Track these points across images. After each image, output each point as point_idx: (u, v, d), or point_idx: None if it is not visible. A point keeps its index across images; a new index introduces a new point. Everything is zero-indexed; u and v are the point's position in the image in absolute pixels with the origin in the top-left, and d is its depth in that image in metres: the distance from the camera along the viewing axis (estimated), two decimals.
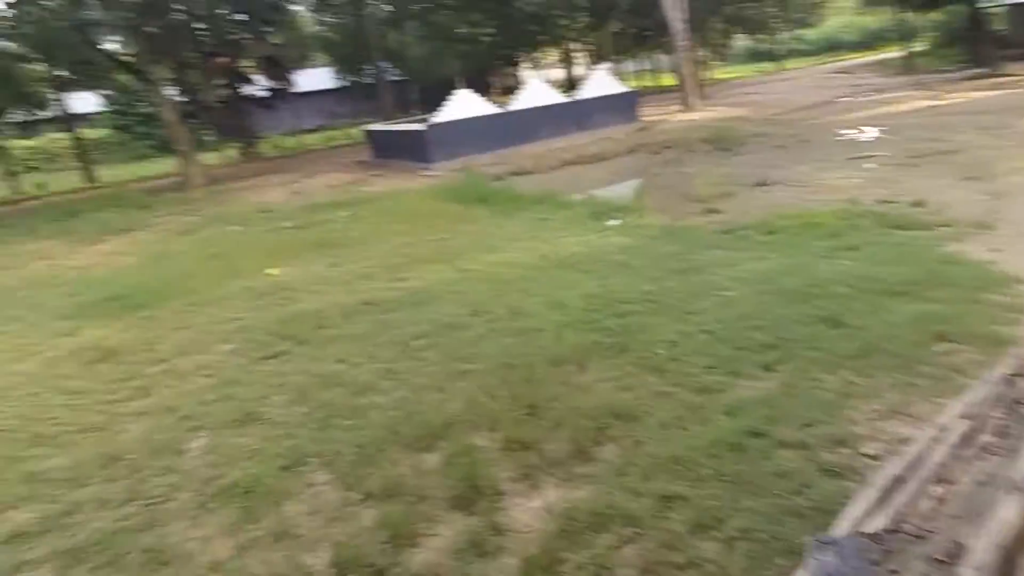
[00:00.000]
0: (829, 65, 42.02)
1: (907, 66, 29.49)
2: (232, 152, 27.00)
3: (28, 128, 33.62)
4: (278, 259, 8.05)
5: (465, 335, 5.04)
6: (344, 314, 5.77)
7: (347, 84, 34.65)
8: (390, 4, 33.03)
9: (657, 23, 31.26)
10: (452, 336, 5.04)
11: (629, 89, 20.26)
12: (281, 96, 29.24)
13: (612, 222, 8.14)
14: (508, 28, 35.53)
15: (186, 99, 23.93)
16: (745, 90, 30.48)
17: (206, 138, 28.97)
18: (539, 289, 5.85)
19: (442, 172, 14.59)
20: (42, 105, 26.06)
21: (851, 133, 13.57)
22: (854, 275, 5.19)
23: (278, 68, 27.66)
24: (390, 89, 31.01)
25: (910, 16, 31.77)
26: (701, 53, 38.77)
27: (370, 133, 19.61)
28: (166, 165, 23.82)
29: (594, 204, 9.15)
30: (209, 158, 25.82)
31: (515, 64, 49.93)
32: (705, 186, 9.40)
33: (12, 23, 19.01)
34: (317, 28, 32.80)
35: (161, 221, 12.70)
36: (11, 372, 5.43)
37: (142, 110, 32.60)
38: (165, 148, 26.99)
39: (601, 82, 19.03)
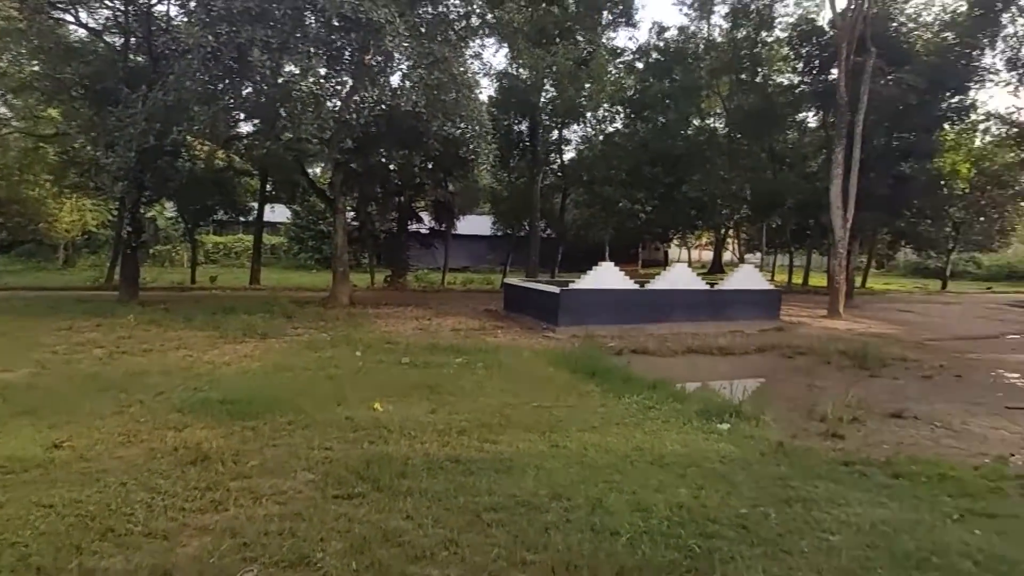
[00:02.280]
0: (1002, 295, 39.12)
1: None
2: (380, 278, 29.30)
3: (222, 226, 38.82)
4: (384, 393, 8.38)
5: (539, 518, 4.86)
6: (428, 466, 5.81)
7: (500, 234, 36.88)
8: (561, 172, 35.56)
9: (819, 223, 31.23)
10: (525, 516, 4.88)
11: (773, 287, 19.93)
12: (441, 236, 31.82)
13: (722, 425, 7.75)
14: (667, 208, 36.84)
15: (358, 224, 26.74)
16: (900, 306, 28.89)
17: (363, 261, 31.85)
18: (627, 484, 5.60)
19: (564, 337, 14.82)
20: (245, 212, 30.13)
21: (1013, 378, 12.31)
22: (985, 551, 4.53)
23: (447, 212, 30.40)
24: (539, 245, 32.66)
25: None
26: (860, 260, 37.80)
27: (507, 285, 20.56)
28: (321, 279, 26.26)
29: (707, 401, 8.79)
30: (360, 279, 28.17)
31: (667, 241, 51.28)
32: (834, 405, 8.76)
33: (245, 144, 22.60)
34: (490, 182, 35.79)
35: (297, 332, 13.80)
36: (114, 456, 5.90)
37: (319, 227, 36.78)
38: (326, 264, 29.98)
39: (745, 276, 18.94)
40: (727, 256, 51.36)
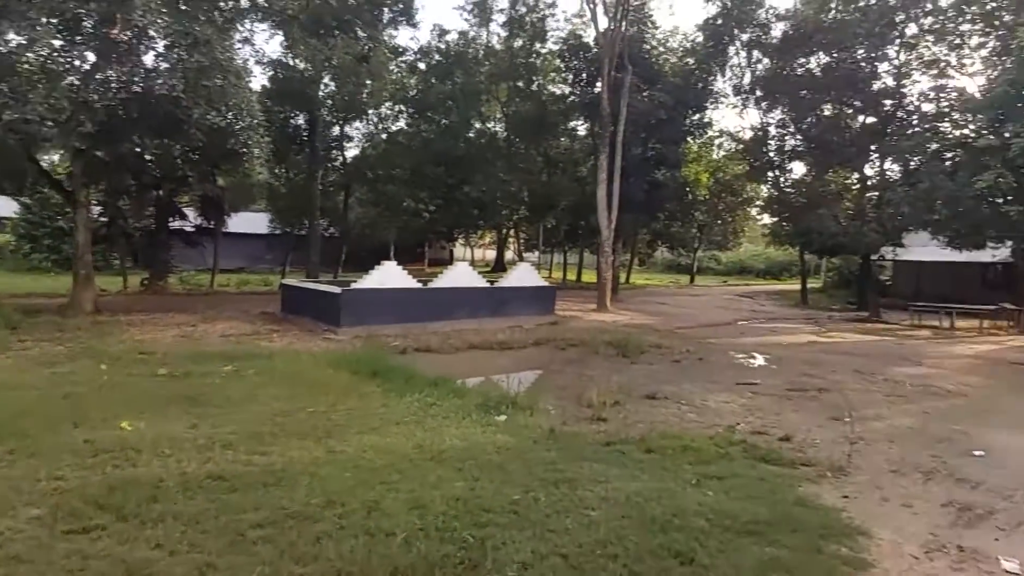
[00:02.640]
0: (736, 287, 45.77)
1: (802, 300, 32.43)
2: (136, 282, 26.05)
3: None
4: (135, 410, 7.42)
5: (310, 529, 4.63)
6: (184, 487, 5.25)
7: (278, 232, 34.84)
8: (343, 169, 34.50)
9: (588, 224, 33.92)
10: (295, 529, 4.62)
11: (548, 284, 21.22)
12: (209, 234, 29.16)
13: (499, 417, 8.04)
14: (451, 207, 37.58)
15: (106, 221, 23.52)
16: (657, 298, 32.52)
17: (115, 263, 28.12)
18: (405, 483, 5.56)
19: (346, 338, 14.41)
20: None
21: (742, 358, 14.41)
22: (715, 508, 5.20)
23: (216, 208, 27.82)
24: (321, 244, 31.38)
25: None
26: (624, 258, 41.83)
27: (285, 286, 19.48)
28: (60, 283, 22.70)
29: (486, 394, 9.08)
30: (111, 283, 24.87)
31: (452, 240, 52.31)
32: (598, 391, 9.54)
33: None
34: (267, 178, 33.64)
35: (25, 346, 11.73)
36: None
37: (57, 224, 31.79)
38: (67, 266, 25.98)
39: (523, 274, 19.91)
40: (509, 255, 53.73)
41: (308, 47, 24.89)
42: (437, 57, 37.91)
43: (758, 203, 39.89)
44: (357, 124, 34.31)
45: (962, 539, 5.04)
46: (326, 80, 28.35)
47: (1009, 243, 22.27)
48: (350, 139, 35.24)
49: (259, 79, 29.41)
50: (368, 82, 27.98)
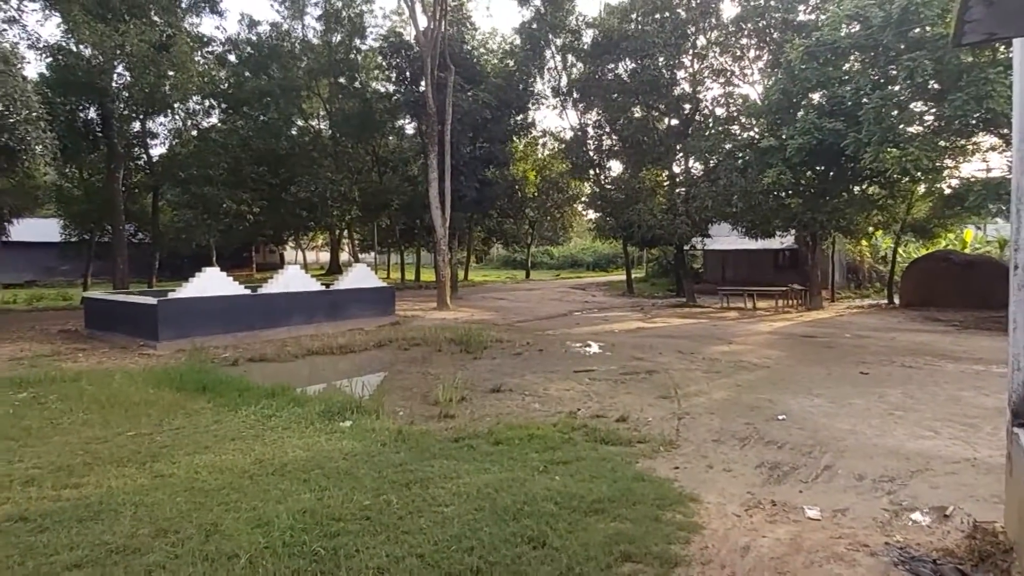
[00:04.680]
0: (568, 280, 48.06)
1: (628, 289, 34.80)
2: None
3: None
4: None
5: (138, 563, 4.21)
6: None
7: (73, 239, 31.08)
8: (148, 168, 31.49)
9: (423, 222, 33.85)
10: (120, 565, 4.18)
11: (386, 285, 20.90)
12: None
13: (344, 423, 7.81)
14: (277, 209, 35.71)
15: None
16: (496, 294, 33.24)
17: None
18: (245, 502, 5.22)
19: (167, 353, 13.25)
20: None
21: (578, 347, 15.17)
22: (562, 492, 5.42)
23: None
24: (128, 252, 28.38)
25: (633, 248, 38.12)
26: (461, 256, 42.29)
27: (87, 300, 17.44)
28: None
29: (329, 401, 8.75)
30: None
31: (282, 243, 49.73)
32: (444, 388, 9.57)
33: None
34: (53, 177, 29.81)
35: None
36: None
37: None
38: None
39: (359, 275, 19.43)
40: (344, 256, 52.25)
41: (94, 31, 22.40)
42: (249, 50, 35.82)
43: (583, 199, 42.09)
44: (161, 119, 31.68)
45: (774, 495, 5.68)
46: (120, 70, 25.79)
47: (792, 231, 25.46)
48: (155, 135, 32.49)
49: (35, 66, 25.98)
50: (170, 73, 25.77)
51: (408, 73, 31.87)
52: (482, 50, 35.28)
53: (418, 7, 25.73)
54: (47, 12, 24.26)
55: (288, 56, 36.76)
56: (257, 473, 5.96)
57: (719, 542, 4.66)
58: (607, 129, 32.53)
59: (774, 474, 6.28)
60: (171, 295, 14.91)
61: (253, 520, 4.86)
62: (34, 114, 15.43)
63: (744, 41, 27.02)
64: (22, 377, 10.20)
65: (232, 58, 35.58)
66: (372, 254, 50.03)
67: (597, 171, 33.79)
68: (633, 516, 4.97)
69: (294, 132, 37.91)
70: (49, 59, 25.45)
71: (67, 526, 4.75)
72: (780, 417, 8.44)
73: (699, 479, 6.06)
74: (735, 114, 27.03)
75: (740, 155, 23.20)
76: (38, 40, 24.53)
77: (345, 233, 49.57)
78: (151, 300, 14.61)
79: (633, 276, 37.20)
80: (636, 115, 30.88)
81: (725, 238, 30.85)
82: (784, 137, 20.05)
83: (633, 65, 28.84)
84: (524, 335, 16.87)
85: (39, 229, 32.28)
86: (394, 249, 48.81)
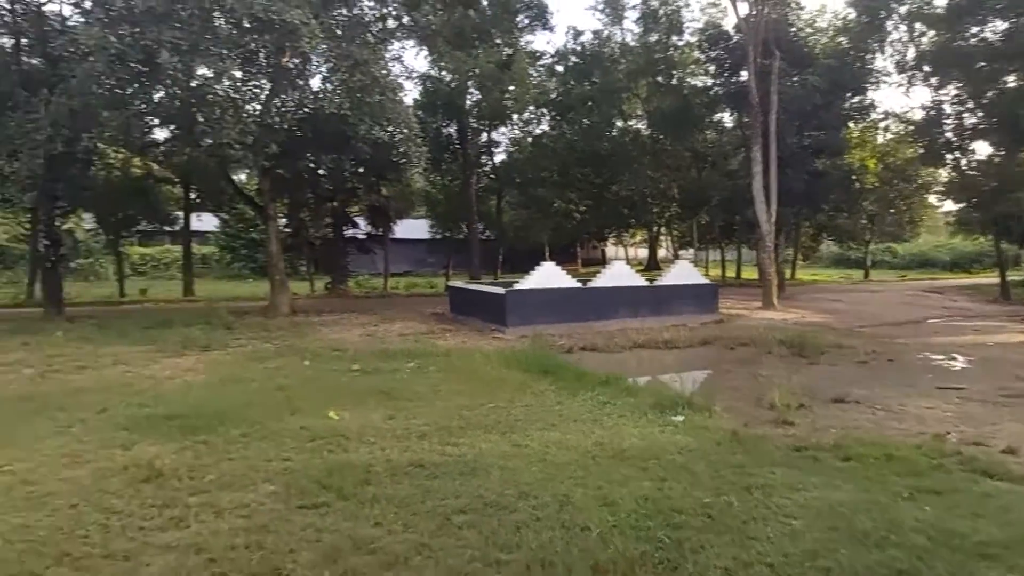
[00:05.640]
0: (917, 282, 41.51)
1: (1002, 294, 28.72)
2: (320, 286, 28.68)
3: (147, 236, 37.21)
4: (338, 401, 8.18)
5: (508, 518, 4.81)
6: (391, 472, 5.68)
7: (439, 237, 36.67)
8: (494, 174, 35.71)
9: (744, 218, 32.42)
10: (495, 517, 4.82)
11: (709, 281, 20.49)
12: (379, 241, 31.40)
13: (676, 417, 7.89)
14: (601, 208, 37.46)
15: (291, 231, 26.07)
16: (829, 295, 30.24)
17: (301, 269, 31.14)
18: (591, 480, 5.61)
19: (513, 337, 14.85)
20: (170, 221, 28.87)
21: (940, 359, 13.05)
22: (936, 526, 4.73)
23: (383, 216, 30.01)
24: (479, 247, 32.67)
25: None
26: (787, 253, 39.42)
27: (452, 288, 20.46)
28: (258, 288, 25.43)
29: (659, 394, 8.94)
30: (299, 287, 27.48)
31: (603, 240, 52.18)
32: (780, 393, 9.06)
33: (163, 151, 21.71)
34: (424, 185, 35.67)
35: (239, 344, 13.37)
36: (59, 478, 5.55)
37: (251, 236, 35.73)
38: (262, 272, 29.15)
39: (682, 271, 19.41)
40: (662, 253, 52.60)
41: (453, 59, 26.12)
42: (574, 59, 38.04)
43: (937, 189, 35.82)
44: (503, 129, 35.57)
45: None
46: (472, 89, 29.65)
47: None
48: (497, 144, 36.64)
49: (411, 93, 31.38)
50: (510, 88, 28.87)
51: (727, 64, 30.77)
52: (809, 30, 32.28)
53: None
54: (419, 48, 29.03)
55: (608, 60, 38.24)
56: (598, 455, 6.35)
57: None
58: (970, 105, 27.22)
59: None
60: (515, 286, 16.70)
61: (599, 498, 5.19)
62: (413, 133, 18.53)
63: None
64: (409, 350, 12.50)
65: (559, 68, 38.26)
66: (691, 251, 49.43)
67: (957, 155, 28.52)
68: None
69: (614, 133, 39.28)
70: (420, 86, 30.65)
71: (452, 477, 5.63)
72: None
73: None
74: None
75: None
76: (412, 72, 29.68)
77: (663, 230, 49.87)
78: (500, 290, 16.58)
79: (1009, 279, 30.48)
80: (1010, 85, 25.28)
81: None
82: None
83: (1006, 25, 23.74)
84: (868, 342, 15.07)
85: (414, 228, 38.76)
86: (712, 246, 47.55)
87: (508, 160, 37.20)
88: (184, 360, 11.41)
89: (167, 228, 30.47)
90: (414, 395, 8.74)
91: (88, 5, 15.36)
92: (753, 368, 12.10)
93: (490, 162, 36.10)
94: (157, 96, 15.94)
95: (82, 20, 15.85)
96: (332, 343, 13.51)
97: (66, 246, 20.87)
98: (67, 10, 17.95)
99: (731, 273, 42.79)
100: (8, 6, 17.34)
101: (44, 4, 17.82)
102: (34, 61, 17.70)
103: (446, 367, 10.76)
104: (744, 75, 25.57)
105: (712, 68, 33.22)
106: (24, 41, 17.69)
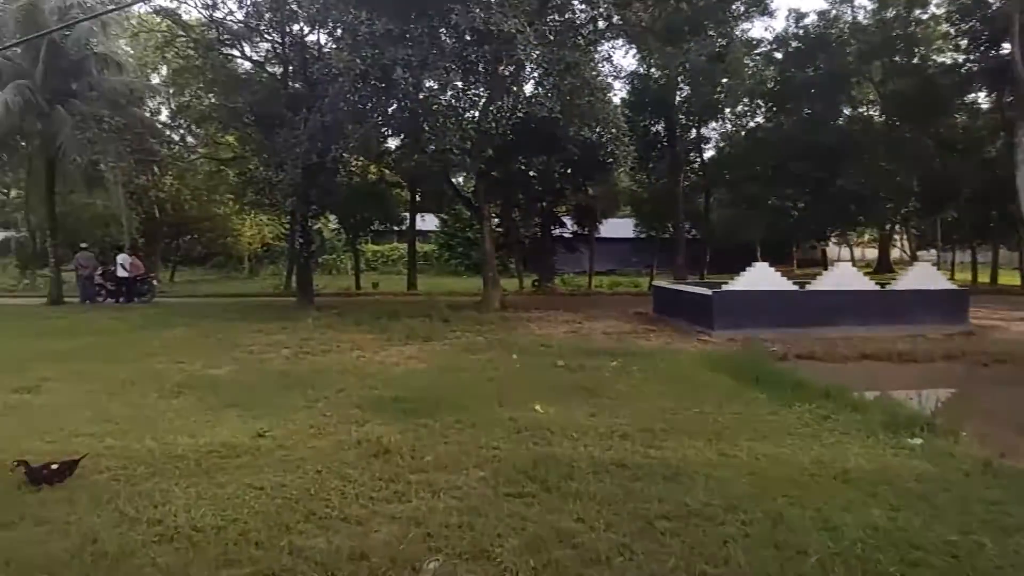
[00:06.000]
0: None
1: None
2: (528, 283, 29.86)
3: (379, 235, 41.70)
4: (543, 395, 8.44)
5: (714, 531, 4.61)
6: (594, 469, 5.72)
7: (644, 236, 36.24)
8: (703, 171, 34.52)
9: (1005, 216, 27.88)
10: (700, 527, 4.64)
11: (957, 287, 17.89)
12: (585, 240, 31.91)
13: (913, 440, 6.98)
14: (822, 204, 34.38)
15: (503, 231, 27.43)
16: None
17: (511, 266, 32.67)
18: (808, 500, 5.17)
19: (720, 341, 14.19)
20: (398, 221, 32.19)
21: None
22: None
23: (589, 216, 30.47)
24: (685, 247, 31.80)
25: None
26: None
27: (656, 288, 20.11)
28: (472, 284, 27.13)
29: (892, 412, 7.97)
30: (508, 284, 28.86)
31: (824, 239, 47.86)
32: None
33: (394, 158, 24.15)
34: (629, 184, 35.44)
35: (455, 335, 14.40)
36: (308, 446, 6.41)
37: (467, 235, 38.33)
38: (475, 269, 31.15)
39: (922, 275, 17.14)
40: (895, 254, 46.98)
41: (662, 55, 25.71)
42: (795, 44, 35.01)
43: None
44: (713, 124, 34.30)
45: None
46: (681, 84, 29.02)
47: None
48: (707, 140, 35.40)
49: (619, 92, 31.24)
50: (723, 80, 27.78)
51: (984, 36, 26.78)
52: None
53: None
54: (627, 46, 28.84)
55: (836, 42, 34.80)
56: (817, 473, 5.83)
57: None
58: None
59: None
60: (724, 287, 15.94)
61: (818, 521, 4.76)
62: (621, 132, 18.49)
63: None
64: (613, 349, 12.57)
65: (778, 55, 35.68)
66: (931, 251, 43.45)
67: None
68: None
69: (840, 122, 35.75)
70: (628, 85, 30.51)
71: (654, 480, 5.52)
72: None
73: None
74: None
75: None
76: (620, 71, 29.60)
77: (897, 228, 44.38)
78: (707, 291, 15.95)
79: None
80: None
81: None
82: None
83: None
84: None
85: (618, 227, 38.71)
86: (960, 246, 41.33)
87: (718, 156, 35.72)
88: (408, 348, 12.61)
89: (396, 228, 33.92)
90: (617, 394, 8.74)
91: (339, 32, 17.50)
92: (1013, 390, 10.34)
93: (699, 159, 34.93)
94: (391, 109, 17.80)
95: (333, 46, 18.13)
96: (539, 339, 14.02)
97: (316, 244, 24.11)
98: (323, 38, 20.72)
99: (984, 278, 36.93)
100: (280, 40, 20.45)
101: (307, 35, 20.73)
102: (297, 85, 20.68)
103: (649, 368, 10.61)
104: (1006, 47, 21.95)
105: (964, 43, 29.23)
106: (291, 68, 20.72)
